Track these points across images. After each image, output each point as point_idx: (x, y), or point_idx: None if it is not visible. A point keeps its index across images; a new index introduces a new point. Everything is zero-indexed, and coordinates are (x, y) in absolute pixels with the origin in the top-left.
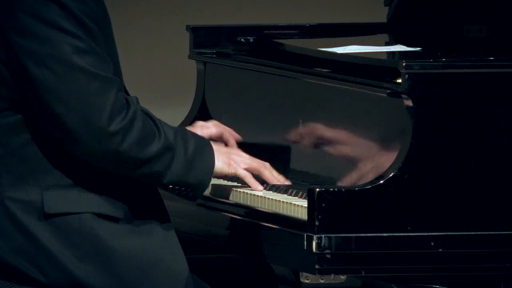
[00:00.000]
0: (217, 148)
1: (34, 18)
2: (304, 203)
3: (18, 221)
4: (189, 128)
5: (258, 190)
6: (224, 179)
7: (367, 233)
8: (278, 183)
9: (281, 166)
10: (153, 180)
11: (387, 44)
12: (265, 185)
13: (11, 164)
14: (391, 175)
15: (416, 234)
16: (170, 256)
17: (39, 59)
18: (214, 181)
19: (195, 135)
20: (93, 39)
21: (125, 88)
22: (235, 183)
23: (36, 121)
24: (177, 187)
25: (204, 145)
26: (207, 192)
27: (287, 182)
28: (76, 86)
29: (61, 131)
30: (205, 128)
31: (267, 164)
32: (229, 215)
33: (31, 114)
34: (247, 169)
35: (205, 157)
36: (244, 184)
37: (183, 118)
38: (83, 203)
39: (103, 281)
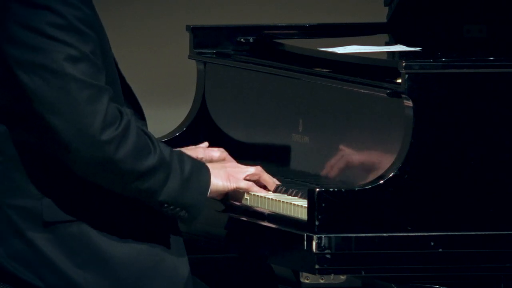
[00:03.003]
0: (212, 166)
1: (25, 28)
2: (304, 203)
3: (17, 227)
4: (189, 150)
5: (270, 192)
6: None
7: (367, 233)
8: (274, 186)
9: (281, 166)
10: (148, 197)
11: (387, 44)
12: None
13: (10, 171)
14: (391, 175)
15: (416, 234)
16: (171, 259)
17: (30, 68)
18: None
19: (190, 156)
20: (87, 45)
21: (130, 88)
22: None
23: (28, 130)
24: (172, 207)
25: (200, 166)
26: None
27: (278, 183)
28: (67, 95)
29: (54, 141)
30: (207, 151)
31: (259, 168)
32: (229, 215)
33: (22, 123)
34: (246, 178)
35: (202, 177)
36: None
37: (183, 118)
38: (82, 210)
39: (102, 287)
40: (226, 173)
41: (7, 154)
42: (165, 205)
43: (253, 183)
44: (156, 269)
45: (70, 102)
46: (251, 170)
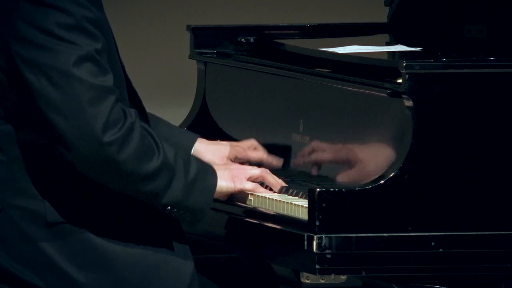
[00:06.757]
0: (216, 167)
1: (33, 26)
2: (304, 203)
3: (20, 228)
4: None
5: (274, 193)
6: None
7: (368, 233)
8: (278, 187)
9: (281, 166)
10: (151, 200)
11: (387, 44)
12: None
13: (14, 172)
14: (391, 175)
15: (416, 234)
16: (175, 261)
17: (37, 68)
18: None
19: (197, 159)
20: (94, 45)
21: (136, 92)
22: None
23: (34, 129)
24: (175, 210)
25: (206, 169)
26: None
27: (283, 184)
28: (71, 96)
29: (57, 140)
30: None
31: (267, 170)
32: (230, 215)
33: (28, 122)
34: (251, 179)
35: (207, 181)
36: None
37: (183, 118)
38: (85, 211)
39: (105, 287)
40: (231, 175)
41: (11, 155)
42: (168, 207)
43: (258, 184)
44: (159, 270)
45: (73, 103)
46: (255, 172)
